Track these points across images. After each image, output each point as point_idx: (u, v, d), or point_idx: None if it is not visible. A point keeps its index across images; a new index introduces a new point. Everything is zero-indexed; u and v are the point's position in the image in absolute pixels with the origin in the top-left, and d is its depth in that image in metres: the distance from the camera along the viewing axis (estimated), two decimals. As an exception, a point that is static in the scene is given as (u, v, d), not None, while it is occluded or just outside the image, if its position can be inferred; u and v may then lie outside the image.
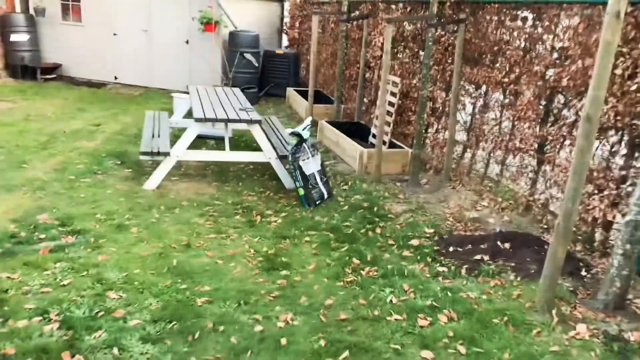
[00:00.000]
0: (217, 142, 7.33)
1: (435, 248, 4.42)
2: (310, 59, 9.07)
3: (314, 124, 8.48)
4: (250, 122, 5.55)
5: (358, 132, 8.01)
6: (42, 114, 8.26)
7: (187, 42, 10.48)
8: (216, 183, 5.85)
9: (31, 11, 11.20)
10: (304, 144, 5.46)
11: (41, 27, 11.20)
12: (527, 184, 5.29)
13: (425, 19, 6.09)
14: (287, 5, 12.70)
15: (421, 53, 6.94)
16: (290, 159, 5.37)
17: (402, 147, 6.73)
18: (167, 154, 5.35)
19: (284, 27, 12.78)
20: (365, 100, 8.66)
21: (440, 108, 6.65)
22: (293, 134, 5.42)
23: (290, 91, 10.19)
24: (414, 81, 7.07)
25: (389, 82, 7.11)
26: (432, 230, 4.80)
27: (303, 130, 5.51)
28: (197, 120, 5.37)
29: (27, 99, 9.31)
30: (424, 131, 6.45)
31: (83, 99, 9.65)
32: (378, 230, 4.82)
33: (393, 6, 7.54)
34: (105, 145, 6.89)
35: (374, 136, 7.44)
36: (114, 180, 5.66)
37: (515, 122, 5.35)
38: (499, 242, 4.33)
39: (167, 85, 10.65)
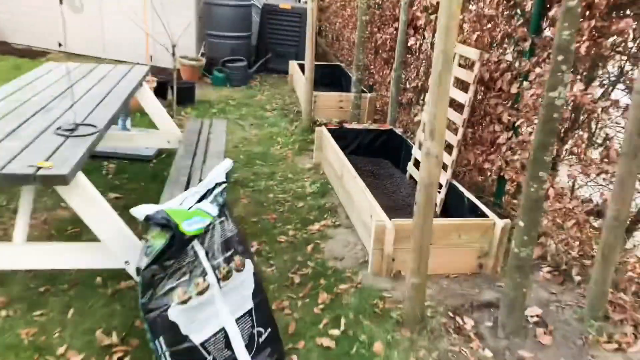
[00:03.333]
0: (124, 168, 3.78)
1: None
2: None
3: (307, 132, 4.62)
4: (28, 179, 1.85)
5: (388, 149, 4.22)
6: None
7: (148, -8, 6.83)
8: None
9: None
10: (194, 250, 1.77)
11: (-35, -26, 7.84)
12: None
13: None
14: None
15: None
16: (140, 301, 1.70)
17: (479, 211, 2.88)
18: None
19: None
20: (407, 86, 4.81)
21: (574, 119, 2.74)
22: (150, 220, 1.73)
23: (294, 66, 6.40)
24: (508, 56, 3.16)
25: (459, 58, 3.23)
26: None
27: (194, 206, 1.82)
28: None
29: None
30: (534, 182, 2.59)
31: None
32: None
33: None
34: None
35: (415, 164, 3.63)
36: None
37: None
38: None
39: (123, 55, 7.10)
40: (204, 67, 6.63)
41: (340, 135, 4.12)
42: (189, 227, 1.72)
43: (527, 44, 2.89)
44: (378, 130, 4.27)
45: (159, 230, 1.72)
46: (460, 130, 3.10)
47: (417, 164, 3.63)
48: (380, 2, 5.32)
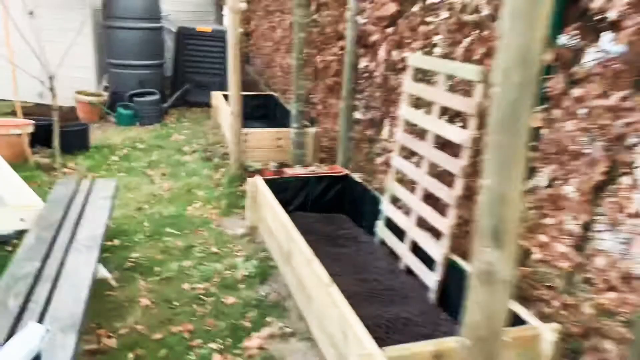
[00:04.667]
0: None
1: None
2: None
3: (237, 183, 3.41)
4: None
5: (345, 201, 3.19)
6: None
7: (31, 13, 5.49)
8: None
9: None
10: None
11: None
12: None
13: None
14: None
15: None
16: None
17: (523, 322, 1.87)
18: None
19: (225, -4, 7.83)
20: (359, 116, 3.83)
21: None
22: None
23: (219, 98, 5.28)
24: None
25: (445, 78, 2.28)
26: None
27: None
28: None
29: None
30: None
31: None
32: None
33: None
34: None
35: (388, 225, 2.60)
36: None
37: None
38: None
39: (4, 93, 5.67)
40: (107, 103, 5.37)
41: (282, 186, 3.05)
42: None
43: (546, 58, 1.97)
44: (330, 177, 3.22)
45: None
46: (458, 182, 2.11)
47: (389, 224, 2.61)
48: (317, 18, 4.37)
